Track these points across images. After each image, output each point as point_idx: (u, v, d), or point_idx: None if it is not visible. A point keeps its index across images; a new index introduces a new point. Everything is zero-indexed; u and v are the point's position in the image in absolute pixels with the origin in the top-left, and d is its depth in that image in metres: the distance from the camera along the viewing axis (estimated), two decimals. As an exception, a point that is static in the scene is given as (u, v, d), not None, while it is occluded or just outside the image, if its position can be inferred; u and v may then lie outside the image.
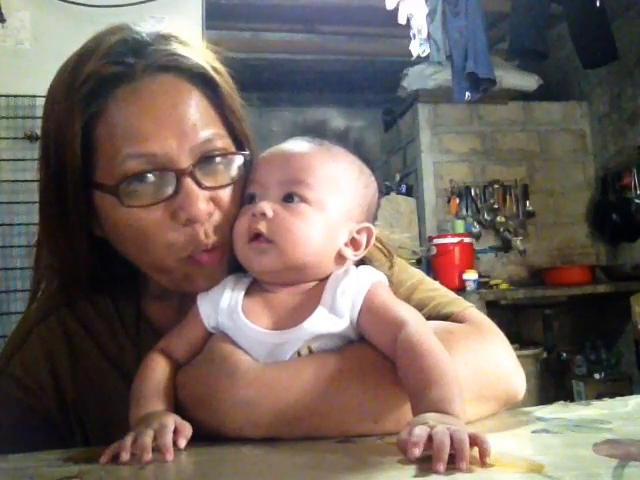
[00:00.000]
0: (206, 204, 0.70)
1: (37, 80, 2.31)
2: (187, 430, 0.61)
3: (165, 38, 0.74)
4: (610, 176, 3.97)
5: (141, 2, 2.21)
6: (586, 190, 4.19)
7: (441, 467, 0.48)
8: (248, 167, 0.75)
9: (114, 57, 0.70)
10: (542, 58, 3.62)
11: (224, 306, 0.69)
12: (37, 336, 0.80)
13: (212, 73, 0.75)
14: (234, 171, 0.74)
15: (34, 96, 2.12)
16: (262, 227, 0.67)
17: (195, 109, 0.72)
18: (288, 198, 0.68)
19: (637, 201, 3.72)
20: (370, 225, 0.73)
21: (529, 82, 4.13)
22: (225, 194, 0.73)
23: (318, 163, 0.70)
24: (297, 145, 0.72)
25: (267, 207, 0.67)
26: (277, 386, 0.63)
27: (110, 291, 0.82)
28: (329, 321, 0.65)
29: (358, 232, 0.72)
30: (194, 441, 0.64)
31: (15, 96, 2.13)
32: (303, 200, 0.68)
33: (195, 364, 0.69)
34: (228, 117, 0.76)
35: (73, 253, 0.76)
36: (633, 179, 3.74)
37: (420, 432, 0.51)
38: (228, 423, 0.63)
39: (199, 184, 0.70)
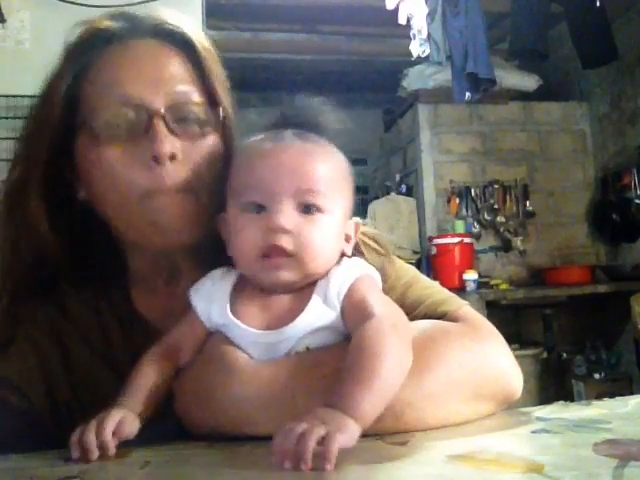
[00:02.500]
0: (171, 147, 0.72)
1: (37, 80, 2.31)
2: (127, 428, 0.60)
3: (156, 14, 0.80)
4: (610, 176, 3.97)
5: (141, 2, 2.21)
6: (586, 190, 4.19)
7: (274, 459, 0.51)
8: (220, 128, 0.78)
9: (109, 18, 0.78)
10: (542, 58, 3.62)
11: (215, 306, 0.69)
12: (24, 335, 0.78)
13: (195, 43, 0.78)
14: (206, 127, 0.76)
15: (34, 96, 2.11)
16: (285, 243, 0.64)
17: (176, 67, 0.76)
18: (305, 209, 0.66)
19: (637, 201, 3.72)
20: (358, 220, 0.75)
21: (529, 82, 4.13)
22: (195, 147, 0.75)
23: (326, 170, 0.69)
24: (295, 146, 0.69)
25: (288, 221, 0.65)
26: (274, 383, 0.63)
27: (99, 283, 0.82)
28: (322, 313, 0.65)
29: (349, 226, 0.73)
30: (194, 441, 0.64)
31: (15, 96, 2.13)
32: (318, 210, 0.67)
33: (193, 364, 0.69)
34: (211, 87, 0.78)
35: (54, 230, 0.78)
36: (633, 179, 3.74)
37: (281, 441, 0.52)
38: (226, 421, 0.63)
39: (168, 127, 0.73)
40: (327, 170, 0.69)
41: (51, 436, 0.71)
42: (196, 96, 0.76)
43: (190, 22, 0.81)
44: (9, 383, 0.76)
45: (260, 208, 0.66)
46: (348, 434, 0.52)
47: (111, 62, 0.75)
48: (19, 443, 0.69)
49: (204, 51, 0.79)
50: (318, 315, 0.66)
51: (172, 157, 0.72)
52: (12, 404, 0.75)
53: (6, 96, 2.14)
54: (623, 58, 3.63)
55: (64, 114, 0.76)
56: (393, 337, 0.61)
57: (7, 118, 2.14)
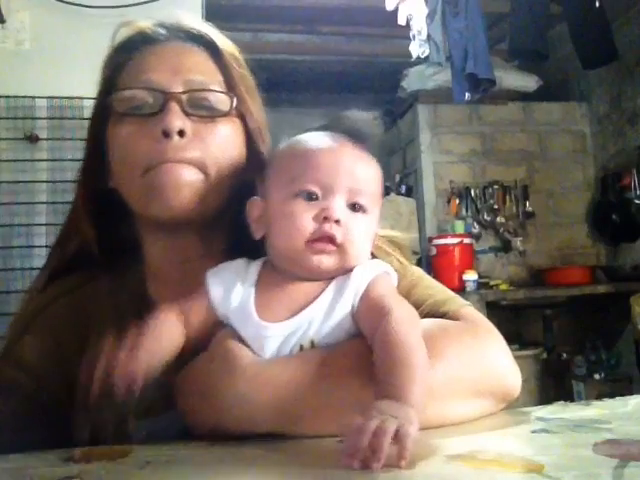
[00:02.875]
0: (181, 123, 0.76)
1: (37, 81, 2.31)
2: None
3: (190, 19, 0.87)
4: (610, 176, 3.97)
5: (141, 3, 2.21)
6: (586, 190, 4.19)
7: (354, 463, 0.49)
8: (237, 119, 0.82)
9: (148, 27, 0.84)
10: (542, 58, 3.62)
11: (235, 303, 0.70)
12: (43, 321, 0.81)
13: (219, 45, 0.84)
14: (220, 115, 0.80)
15: (34, 97, 2.12)
16: (337, 233, 0.68)
17: (197, 61, 0.82)
18: (352, 206, 0.70)
19: (637, 201, 3.72)
20: (377, 231, 0.77)
21: (529, 82, 4.13)
22: (206, 129, 0.78)
23: (373, 178, 0.73)
24: (351, 148, 0.72)
25: (341, 214, 0.68)
26: (276, 382, 0.63)
27: (117, 268, 0.85)
28: (332, 307, 0.67)
29: None
30: (194, 441, 0.64)
31: (15, 97, 2.12)
32: (363, 210, 0.71)
33: (196, 361, 0.69)
34: (230, 82, 0.82)
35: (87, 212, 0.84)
36: (633, 179, 3.74)
37: (352, 439, 0.51)
38: (228, 419, 0.63)
39: (182, 108, 0.77)
40: (374, 178, 0.73)
41: (63, 420, 0.74)
42: (213, 86, 0.81)
43: (216, 31, 0.87)
44: (24, 365, 0.78)
45: (312, 197, 0.69)
46: (415, 424, 0.52)
47: (142, 57, 0.81)
48: (29, 425, 0.73)
49: (227, 53, 0.84)
50: (327, 310, 0.67)
51: (181, 133, 0.76)
52: (24, 386, 0.77)
53: (6, 97, 2.14)
54: (623, 58, 3.63)
55: (102, 105, 0.82)
56: (413, 331, 0.64)
57: (7, 119, 2.14)
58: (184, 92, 0.78)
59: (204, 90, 0.79)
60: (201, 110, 0.79)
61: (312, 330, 0.66)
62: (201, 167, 0.77)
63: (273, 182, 0.73)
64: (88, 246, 0.85)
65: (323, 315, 0.67)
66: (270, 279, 0.71)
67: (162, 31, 0.84)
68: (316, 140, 0.73)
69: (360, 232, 0.70)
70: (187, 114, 0.77)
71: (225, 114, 0.80)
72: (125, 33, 0.85)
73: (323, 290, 0.68)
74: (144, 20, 0.86)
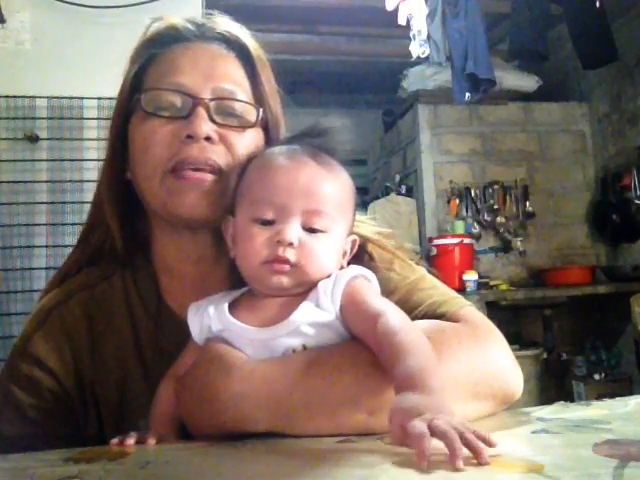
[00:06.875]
0: (208, 129, 0.77)
1: (37, 81, 2.31)
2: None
3: (221, 20, 0.89)
4: (610, 177, 3.97)
5: (141, 3, 2.21)
6: (586, 191, 4.19)
7: (460, 463, 0.48)
8: (261, 129, 0.83)
9: (179, 23, 0.85)
10: (542, 59, 3.62)
11: (212, 312, 0.72)
12: (57, 317, 0.82)
13: (251, 50, 0.86)
14: (247, 124, 0.82)
15: (34, 97, 2.12)
16: (290, 255, 0.69)
17: (228, 68, 0.83)
18: (309, 227, 0.71)
19: (637, 202, 3.72)
20: (356, 237, 0.78)
21: (529, 83, 4.13)
22: (232, 137, 0.80)
23: (333, 193, 0.73)
24: (308, 167, 0.72)
25: (293, 236, 0.69)
26: (271, 379, 0.64)
27: (131, 264, 0.86)
28: (315, 313, 0.68)
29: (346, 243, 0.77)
30: (194, 441, 0.64)
31: (15, 97, 2.12)
32: (321, 230, 0.71)
33: (193, 365, 0.70)
34: (259, 91, 0.84)
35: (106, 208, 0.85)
36: (633, 180, 3.74)
37: (421, 433, 0.50)
38: (227, 418, 0.64)
39: (209, 115, 0.78)
40: (333, 193, 0.73)
41: (72, 413, 0.78)
42: (241, 95, 0.82)
43: (247, 33, 0.89)
44: (39, 362, 0.80)
45: (267, 222, 0.71)
46: (457, 415, 0.53)
47: (173, 56, 0.82)
48: (48, 423, 0.76)
49: (257, 59, 0.86)
50: (312, 314, 0.68)
51: (207, 138, 0.77)
52: (43, 382, 0.79)
53: (6, 97, 2.13)
54: (623, 58, 3.64)
55: (129, 98, 0.83)
56: (409, 324, 0.65)
57: (7, 119, 2.14)
58: (212, 99, 0.79)
59: (232, 99, 0.81)
60: (227, 118, 0.80)
61: (300, 336, 0.67)
62: (222, 173, 0.78)
63: (238, 202, 0.75)
64: (110, 239, 0.86)
65: (307, 320, 0.67)
66: (249, 296, 0.74)
67: (192, 28, 0.85)
68: (278, 160, 0.74)
69: (319, 251, 0.71)
70: (213, 121, 0.78)
71: (251, 125, 0.82)
72: (154, 28, 0.86)
73: (300, 302, 0.69)
74: (177, 18, 0.87)
